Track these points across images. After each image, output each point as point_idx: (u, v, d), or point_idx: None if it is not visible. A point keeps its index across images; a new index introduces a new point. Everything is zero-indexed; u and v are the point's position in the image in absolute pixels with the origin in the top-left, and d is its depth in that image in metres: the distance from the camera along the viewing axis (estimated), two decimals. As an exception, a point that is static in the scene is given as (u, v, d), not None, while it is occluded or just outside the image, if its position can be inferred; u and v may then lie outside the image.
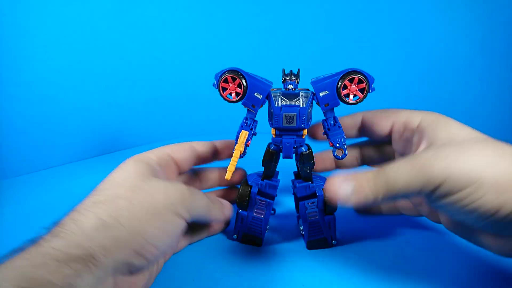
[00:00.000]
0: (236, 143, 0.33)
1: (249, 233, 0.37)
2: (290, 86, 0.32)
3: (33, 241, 0.22)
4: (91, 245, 0.22)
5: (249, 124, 0.34)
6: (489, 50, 0.76)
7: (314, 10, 0.83)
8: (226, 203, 0.37)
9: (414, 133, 0.32)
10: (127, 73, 0.77)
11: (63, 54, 0.67)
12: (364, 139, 0.41)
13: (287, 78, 0.33)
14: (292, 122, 0.32)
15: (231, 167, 0.33)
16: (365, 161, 0.41)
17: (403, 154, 0.35)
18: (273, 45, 0.85)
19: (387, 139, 0.36)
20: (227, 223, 0.41)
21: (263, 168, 0.36)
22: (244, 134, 0.33)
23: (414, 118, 0.32)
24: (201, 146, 0.38)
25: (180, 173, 0.37)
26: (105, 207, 0.25)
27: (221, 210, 0.36)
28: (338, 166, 0.41)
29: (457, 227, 0.30)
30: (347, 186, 0.26)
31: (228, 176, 0.33)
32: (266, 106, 0.34)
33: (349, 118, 0.37)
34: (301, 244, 0.38)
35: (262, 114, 0.36)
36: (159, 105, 0.82)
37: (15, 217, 0.46)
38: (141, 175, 0.29)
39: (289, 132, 0.33)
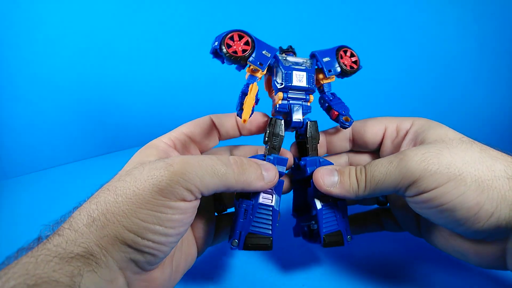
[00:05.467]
0: (240, 108, 0.30)
1: (255, 231, 0.28)
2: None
3: (39, 239, 0.22)
4: (86, 243, 0.21)
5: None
6: (488, 50, 0.76)
7: (310, 9, 0.83)
8: (266, 164, 0.29)
9: (405, 137, 0.31)
10: (127, 73, 0.77)
11: (63, 54, 0.67)
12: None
13: (286, 52, 0.34)
14: (302, 81, 0.32)
15: (246, 115, 0.28)
16: None
17: None
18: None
19: (377, 148, 0.34)
20: None
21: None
22: (255, 87, 0.30)
23: (405, 123, 0.31)
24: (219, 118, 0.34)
25: (203, 151, 0.34)
26: (95, 201, 0.23)
27: (252, 170, 0.27)
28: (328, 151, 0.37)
29: (442, 239, 0.29)
30: (333, 178, 0.28)
31: (245, 118, 0.28)
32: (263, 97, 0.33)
33: (338, 132, 0.35)
34: (300, 244, 0.38)
35: (261, 103, 0.33)
36: (158, 105, 0.82)
37: (15, 217, 0.46)
38: (140, 161, 0.26)
39: (296, 95, 0.32)
